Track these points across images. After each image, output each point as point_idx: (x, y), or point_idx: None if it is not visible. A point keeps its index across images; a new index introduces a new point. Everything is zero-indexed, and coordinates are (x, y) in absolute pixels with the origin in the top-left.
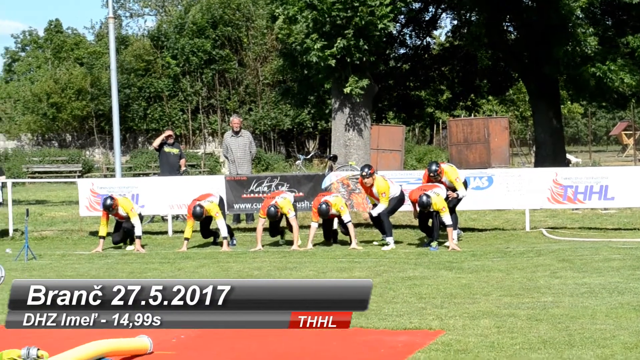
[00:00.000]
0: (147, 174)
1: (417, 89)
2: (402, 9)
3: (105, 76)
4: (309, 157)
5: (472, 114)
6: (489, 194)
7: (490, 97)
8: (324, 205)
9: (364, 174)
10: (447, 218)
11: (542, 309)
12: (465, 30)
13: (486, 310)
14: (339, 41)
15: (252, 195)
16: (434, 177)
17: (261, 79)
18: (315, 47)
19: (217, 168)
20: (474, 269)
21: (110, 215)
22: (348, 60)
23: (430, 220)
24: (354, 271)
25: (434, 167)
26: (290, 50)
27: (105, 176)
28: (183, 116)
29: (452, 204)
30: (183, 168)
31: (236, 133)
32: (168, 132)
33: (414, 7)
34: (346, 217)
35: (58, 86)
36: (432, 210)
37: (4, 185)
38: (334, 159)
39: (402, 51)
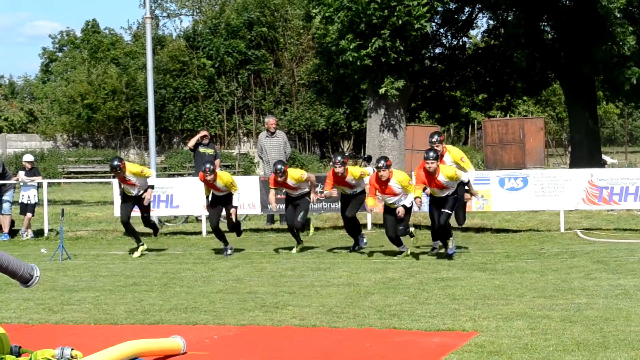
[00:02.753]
0: (182, 175)
1: (452, 88)
2: (439, 8)
3: (140, 76)
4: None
5: (508, 115)
6: (523, 195)
7: (525, 97)
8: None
9: (380, 165)
10: (465, 176)
11: (576, 311)
12: (502, 31)
13: (520, 311)
14: (374, 41)
15: (286, 196)
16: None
17: (296, 79)
18: (351, 47)
19: (251, 168)
20: (508, 270)
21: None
22: (384, 60)
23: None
24: (388, 272)
25: (435, 137)
26: (326, 50)
27: None
28: (218, 116)
29: (461, 200)
30: (218, 168)
31: (271, 134)
32: (203, 133)
33: (450, 7)
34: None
35: (92, 87)
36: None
37: (39, 185)
38: (369, 159)
39: (437, 51)
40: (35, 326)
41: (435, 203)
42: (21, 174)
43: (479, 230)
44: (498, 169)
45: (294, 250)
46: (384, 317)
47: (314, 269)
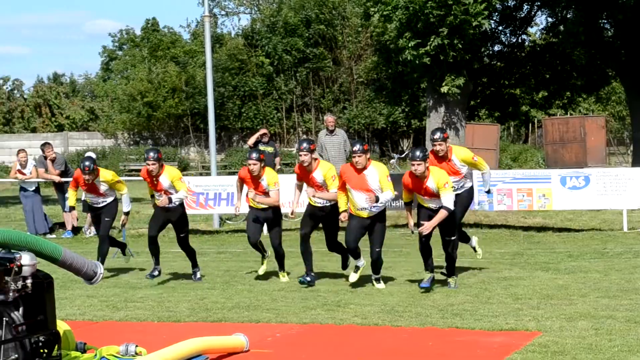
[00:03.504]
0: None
1: (511, 86)
2: (497, 6)
3: (200, 75)
4: (403, 156)
5: (568, 113)
6: (585, 194)
7: (584, 95)
8: None
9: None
10: (448, 198)
11: None
12: (561, 28)
13: (583, 311)
14: (432, 39)
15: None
16: (437, 154)
17: (355, 77)
18: (409, 45)
19: None
20: (571, 270)
21: (82, 187)
22: (442, 58)
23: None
24: None
25: (438, 134)
26: (385, 48)
27: (200, 174)
28: (277, 115)
29: (460, 213)
30: (278, 166)
31: (331, 132)
32: (263, 131)
33: (509, 5)
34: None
35: (152, 85)
36: (431, 189)
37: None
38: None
39: (496, 49)
40: (100, 323)
41: (426, 218)
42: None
43: (541, 229)
44: (559, 167)
45: (262, 269)
46: (446, 316)
47: None
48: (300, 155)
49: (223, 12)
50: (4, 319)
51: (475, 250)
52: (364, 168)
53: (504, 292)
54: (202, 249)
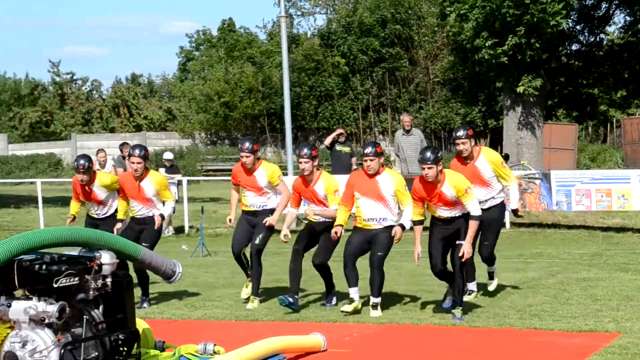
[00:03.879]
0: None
1: (589, 86)
2: (575, 5)
3: (276, 75)
4: None
5: None
6: None
7: None
8: None
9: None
10: (474, 205)
11: None
12: None
13: None
14: (510, 39)
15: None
16: (461, 154)
17: (431, 76)
18: (486, 45)
19: (388, 166)
20: None
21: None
22: (519, 58)
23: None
24: (528, 272)
25: (461, 131)
26: (461, 48)
27: None
28: (353, 114)
29: (492, 239)
30: (354, 166)
31: (407, 131)
32: (339, 131)
33: (586, 3)
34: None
35: (229, 86)
36: (449, 194)
37: (179, 182)
38: (506, 158)
39: (574, 48)
40: (178, 321)
41: (440, 231)
42: (161, 171)
43: (620, 230)
44: (638, 167)
45: (245, 292)
46: (524, 317)
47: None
48: (301, 163)
49: (299, 13)
50: (85, 317)
51: (469, 293)
52: (377, 173)
53: (582, 293)
54: (280, 248)
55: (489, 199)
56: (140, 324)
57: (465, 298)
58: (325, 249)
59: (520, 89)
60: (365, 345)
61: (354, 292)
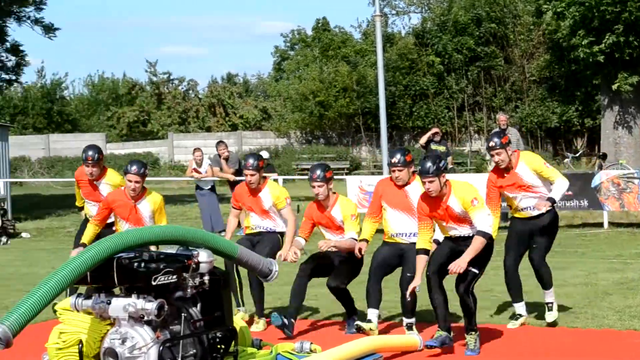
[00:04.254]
0: (413, 171)
1: None
2: None
3: (371, 74)
4: (577, 155)
5: None
6: None
7: None
8: None
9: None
10: (483, 220)
11: None
12: None
13: None
14: (607, 37)
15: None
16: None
17: (527, 75)
18: (583, 43)
19: (483, 166)
20: None
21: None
22: (617, 56)
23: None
24: (627, 272)
25: (495, 140)
26: (558, 46)
27: (372, 173)
28: (449, 113)
29: (544, 247)
30: (450, 166)
31: (503, 131)
32: (435, 130)
33: None
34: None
35: (324, 85)
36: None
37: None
38: (604, 157)
39: None
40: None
41: (450, 252)
42: None
43: None
44: None
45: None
46: (623, 318)
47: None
48: (314, 187)
49: (393, 12)
50: (183, 314)
51: (517, 318)
52: (407, 183)
53: None
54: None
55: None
56: (238, 322)
57: (513, 325)
58: (343, 271)
59: (615, 86)
60: (462, 344)
61: (372, 314)
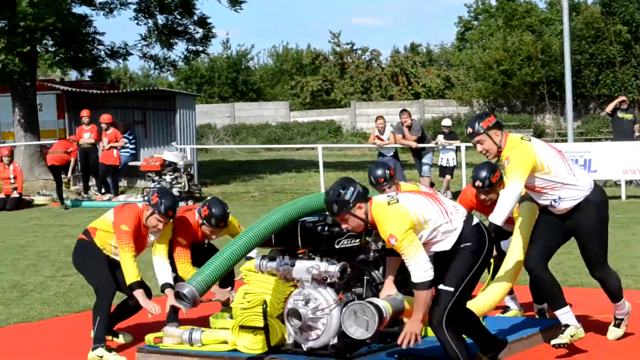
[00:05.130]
0: (599, 139)
1: None
2: None
3: (555, 43)
4: None
5: None
6: None
7: None
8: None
9: (483, 178)
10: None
11: None
12: None
13: None
14: None
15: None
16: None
17: None
18: None
19: None
20: None
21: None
22: None
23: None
24: None
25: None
26: None
27: (555, 141)
28: (636, 82)
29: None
30: (637, 134)
31: None
32: (622, 98)
33: None
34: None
35: (507, 54)
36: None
37: (457, 148)
38: None
39: None
40: None
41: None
42: (440, 137)
43: None
44: None
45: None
46: None
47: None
48: (383, 186)
49: None
50: (365, 277)
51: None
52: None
53: None
54: None
55: (555, 200)
56: None
57: (559, 340)
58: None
59: None
60: None
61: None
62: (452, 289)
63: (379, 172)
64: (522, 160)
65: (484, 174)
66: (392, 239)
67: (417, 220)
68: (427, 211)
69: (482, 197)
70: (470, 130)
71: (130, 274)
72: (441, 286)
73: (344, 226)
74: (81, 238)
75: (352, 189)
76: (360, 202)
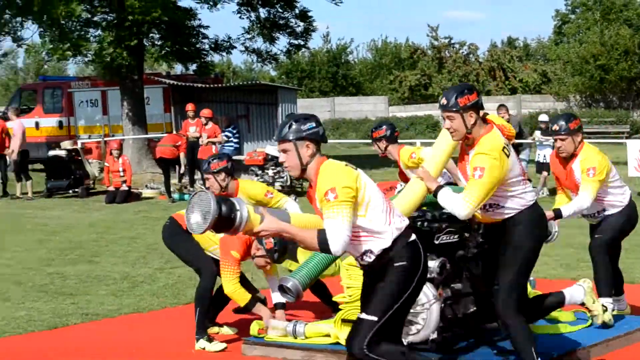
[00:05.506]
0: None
1: None
2: None
3: None
4: None
5: None
6: None
7: None
8: None
9: (561, 125)
10: (579, 197)
11: None
12: None
13: None
14: None
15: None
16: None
17: None
18: None
19: None
20: None
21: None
22: None
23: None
24: None
25: (560, 123)
26: None
27: None
28: None
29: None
30: None
31: None
32: None
33: None
34: None
35: (604, 48)
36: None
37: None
38: None
39: None
40: (554, 281)
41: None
42: (537, 133)
43: None
44: None
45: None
46: None
47: None
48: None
49: None
50: (464, 273)
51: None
52: (573, 156)
53: None
54: None
55: (598, 212)
56: None
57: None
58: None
59: None
60: None
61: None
62: (375, 319)
63: (385, 125)
64: (602, 180)
65: (562, 120)
66: (331, 194)
67: (361, 197)
68: (375, 199)
69: (558, 145)
70: (444, 101)
71: (242, 299)
72: (363, 315)
73: (280, 158)
74: (171, 219)
75: (313, 124)
76: (312, 142)
